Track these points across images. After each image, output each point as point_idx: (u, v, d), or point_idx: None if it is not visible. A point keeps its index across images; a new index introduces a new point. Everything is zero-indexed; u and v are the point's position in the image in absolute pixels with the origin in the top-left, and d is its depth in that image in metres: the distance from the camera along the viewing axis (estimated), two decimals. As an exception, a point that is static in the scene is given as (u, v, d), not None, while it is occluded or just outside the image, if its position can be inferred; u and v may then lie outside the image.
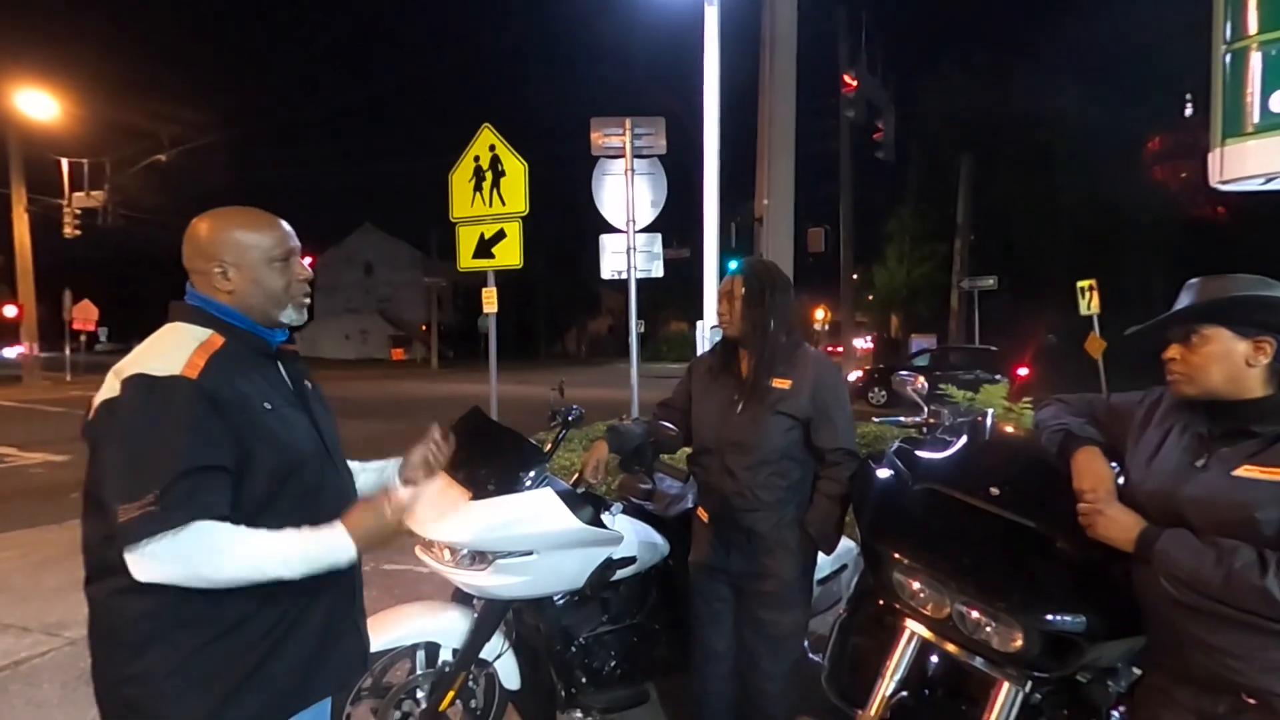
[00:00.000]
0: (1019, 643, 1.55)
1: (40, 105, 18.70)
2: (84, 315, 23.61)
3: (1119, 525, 1.37)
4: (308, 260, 1.48)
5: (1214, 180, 3.99)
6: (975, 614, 1.62)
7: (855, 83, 14.26)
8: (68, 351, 24.01)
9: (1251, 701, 1.26)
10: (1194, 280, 1.40)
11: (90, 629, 1.30)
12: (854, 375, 17.26)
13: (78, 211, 20.41)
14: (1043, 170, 23.47)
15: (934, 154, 24.75)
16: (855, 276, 25.02)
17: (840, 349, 21.55)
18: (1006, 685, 1.66)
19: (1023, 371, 15.18)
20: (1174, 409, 1.44)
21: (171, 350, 1.25)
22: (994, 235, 24.38)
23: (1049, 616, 1.50)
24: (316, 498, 1.34)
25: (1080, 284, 11.11)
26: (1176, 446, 1.39)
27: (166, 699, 1.22)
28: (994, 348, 17.51)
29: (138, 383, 1.20)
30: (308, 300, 1.45)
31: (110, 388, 1.23)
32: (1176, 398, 1.42)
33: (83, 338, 25.49)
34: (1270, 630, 1.21)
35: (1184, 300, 1.38)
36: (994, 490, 1.68)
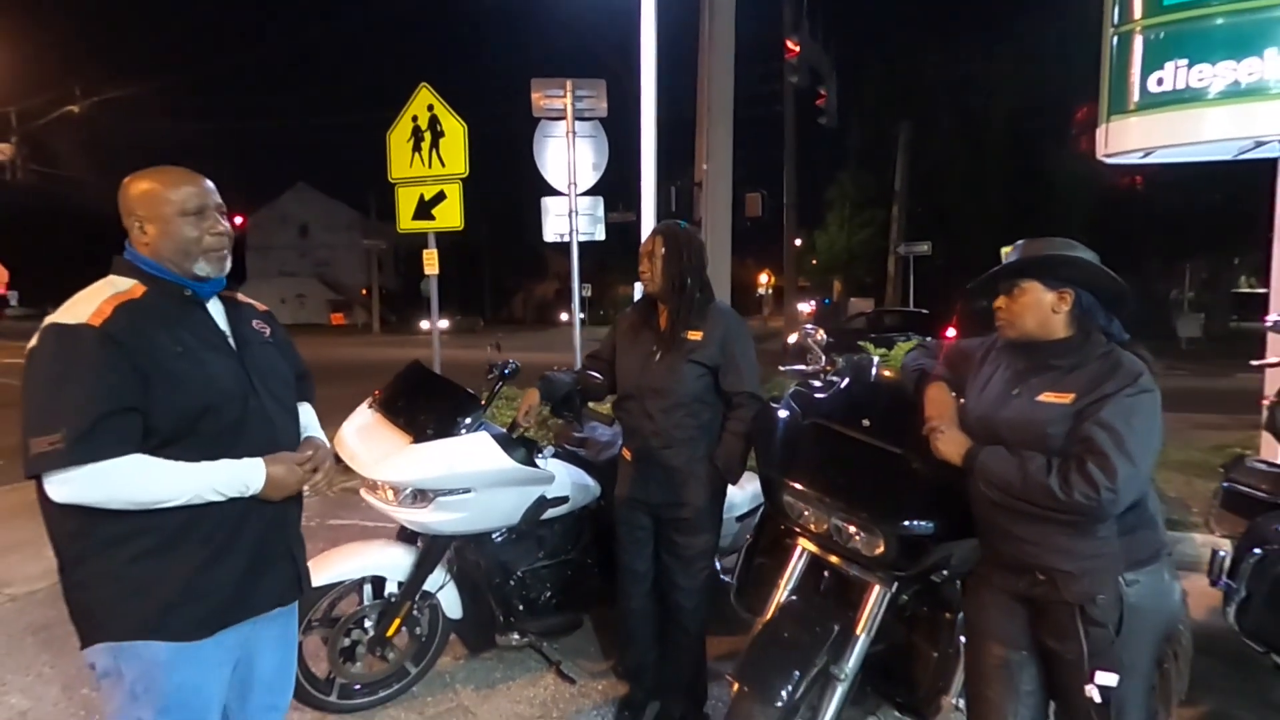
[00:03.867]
0: (881, 548, 1.84)
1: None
2: (-7, 277, 22.25)
3: (953, 444, 1.67)
4: (238, 219, 1.58)
5: (1100, 153, 4.39)
6: (848, 527, 1.91)
7: (797, 48, 14.44)
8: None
9: (1042, 578, 1.58)
10: (1019, 242, 1.69)
11: (52, 547, 1.44)
12: (794, 338, 17.75)
13: (-19, 165, 19.11)
14: (976, 138, 24.28)
15: (874, 121, 25.24)
16: (798, 242, 25.53)
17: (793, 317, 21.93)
18: (877, 587, 1.96)
19: (951, 333, 15.96)
20: (1002, 350, 1.74)
21: (87, 302, 1.38)
22: (930, 202, 25.19)
23: (905, 523, 1.80)
24: (236, 434, 1.46)
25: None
26: (1000, 380, 1.69)
27: (106, 605, 1.39)
28: (926, 311, 18.27)
29: (50, 330, 1.35)
30: (223, 254, 1.51)
31: (35, 337, 1.37)
32: (1003, 340, 1.71)
33: (-7, 301, 24.10)
34: (1055, 520, 1.52)
35: (1010, 259, 1.66)
36: (865, 422, 1.96)
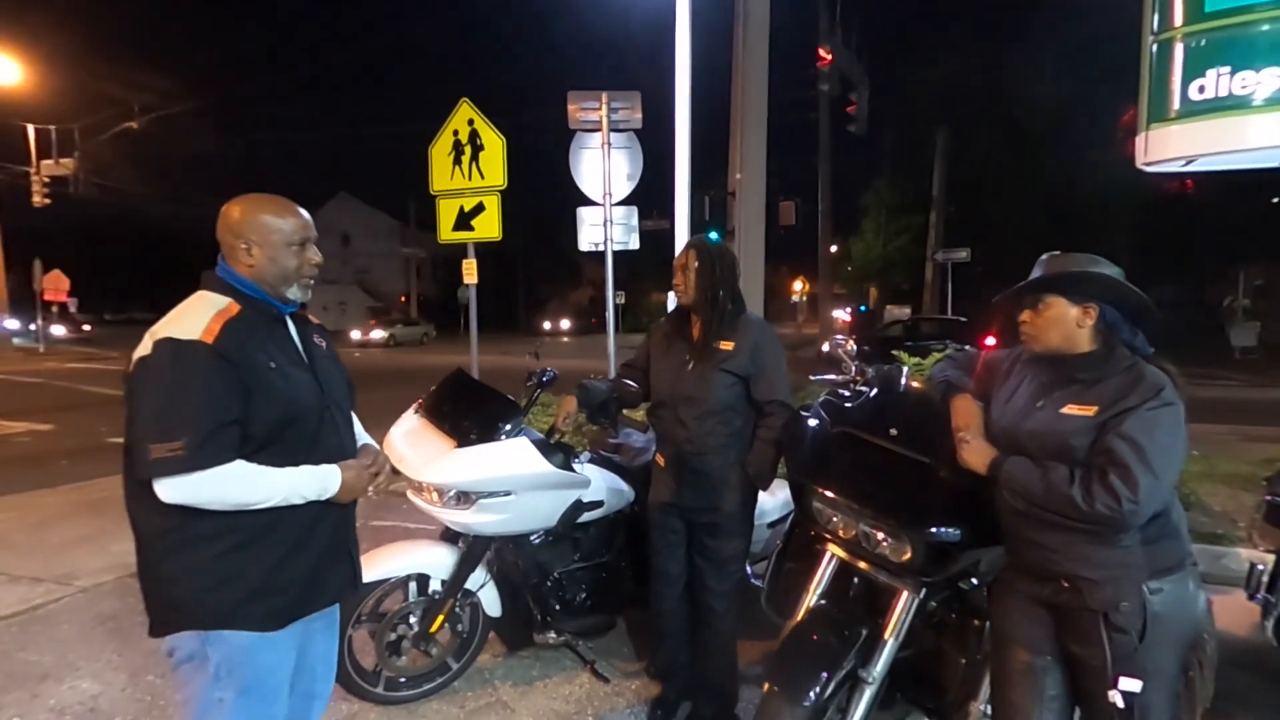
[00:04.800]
0: (908, 555, 1.89)
1: (2, 69, 18.26)
2: (55, 285, 23.26)
3: (978, 454, 1.71)
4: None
5: (1140, 162, 4.35)
6: (876, 533, 1.96)
7: (830, 56, 14.42)
8: (40, 322, 23.81)
9: (1066, 585, 1.62)
10: (1044, 257, 1.73)
11: (135, 540, 1.58)
12: (826, 348, 17.63)
13: (46, 180, 20.08)
14: (1016, 144, 23.81)
15: (910, 127, 24.94)
16: (834, 249, 25.32)
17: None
18: (905, 594, 2.00)
19: (990, 341, 15.66)
20: (1027, 362, 1.78)
21: (194, 317, 1.50)
22: (968, 208, 24.75)
23: (931, 530, 1.84)
24: (314, 442, 1.61)
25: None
26: (1025, 392, 1.73)
27: (195, 596, 1.52)
28: (964, 319, 17.97)
29: (165, 345, 1.47)
30: (313, 282, 1.69)
31: (144, 347, 1.49)
32: (1028, 353, 1.75)
33: (54, 308, 25.18)
34: (1077, 529, 1.56)
35: (1035, 274, 1.71)
36: (893, 431, 2.01)
